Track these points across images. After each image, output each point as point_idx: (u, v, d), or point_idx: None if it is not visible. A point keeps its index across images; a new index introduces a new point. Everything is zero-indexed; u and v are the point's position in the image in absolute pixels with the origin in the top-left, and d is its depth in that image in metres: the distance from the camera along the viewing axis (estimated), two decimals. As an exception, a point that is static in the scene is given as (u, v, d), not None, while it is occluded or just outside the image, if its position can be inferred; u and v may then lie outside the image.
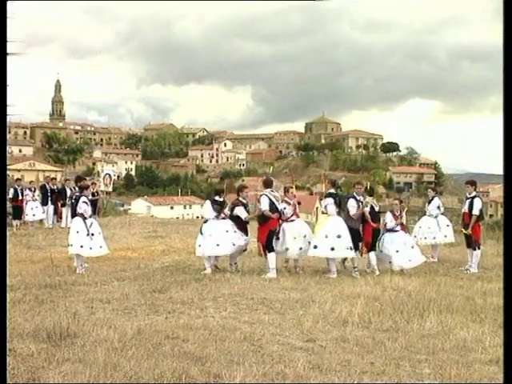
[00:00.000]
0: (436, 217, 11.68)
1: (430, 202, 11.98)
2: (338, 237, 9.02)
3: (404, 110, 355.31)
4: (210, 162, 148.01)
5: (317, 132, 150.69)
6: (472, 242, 10.16)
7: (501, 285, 7.18)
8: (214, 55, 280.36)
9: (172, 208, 74.65)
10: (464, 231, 10.29)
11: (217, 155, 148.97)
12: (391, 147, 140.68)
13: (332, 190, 9.62)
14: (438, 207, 11.79)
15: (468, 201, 10.27)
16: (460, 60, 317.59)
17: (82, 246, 9.17)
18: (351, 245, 9.10)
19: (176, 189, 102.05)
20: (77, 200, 9.47)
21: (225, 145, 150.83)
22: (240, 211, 9.48)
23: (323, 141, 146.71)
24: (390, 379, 4.17)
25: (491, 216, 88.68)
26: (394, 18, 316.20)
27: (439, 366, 4.45)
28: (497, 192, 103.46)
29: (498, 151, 3.86)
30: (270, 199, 9.19)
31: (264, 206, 9.12)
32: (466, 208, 10.29)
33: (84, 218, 9.32)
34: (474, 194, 10.28)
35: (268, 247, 9.18)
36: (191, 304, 6.63)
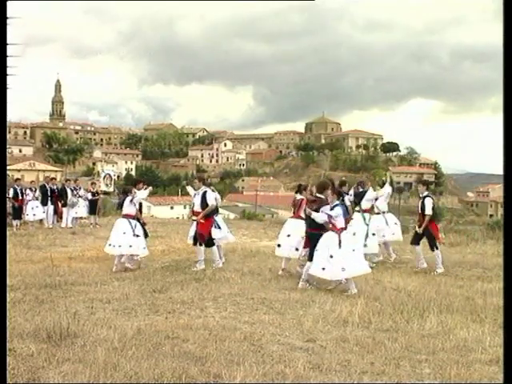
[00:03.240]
0: (383, 213, 11.22)
1: (376, 200, 11.31)
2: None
3: (405, 109, 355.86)
4: (210, 161, 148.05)
5: (317, 132, 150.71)
6: (431, 242, 9.92)
7: (501, 285, 7.18)
8: (215, 55, 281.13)
9: (172, 208, 74.47)
10: (417, 230, 10.05)
11: (217, 155, 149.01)
12: (391, 147, 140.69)
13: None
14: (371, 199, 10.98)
15: (420, 201, 10.08)
16: (461, 60, 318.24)
17: (130, 246, 9.48)
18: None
19: (176, 189, 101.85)
20: (122, 202, 9.75)
21: (225, 145, 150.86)
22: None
23: (323, 141, 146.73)
24: (389, 379, 4.17)
25: (491, 216, 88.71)
26: (394, 18, 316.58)
27: (439, 366, 4.45)
28: (497, 192, 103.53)
29: (498, 151, 3.86)
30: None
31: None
32: (419, 208, 10.10)
33: (129, 219, 9.59)
34: (425, 193, 10.06)
35: (211, 241, 9.63)
36: (191, 304, 6.63)
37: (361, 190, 10.67)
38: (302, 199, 9.14)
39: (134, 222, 9.61)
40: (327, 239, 7.63)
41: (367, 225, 10.27)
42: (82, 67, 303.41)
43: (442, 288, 7.96)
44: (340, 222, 7.62)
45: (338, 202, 7.75)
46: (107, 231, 16.88)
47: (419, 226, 10.02)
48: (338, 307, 6.32)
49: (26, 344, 4.70)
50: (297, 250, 8.90)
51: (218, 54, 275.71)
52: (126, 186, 10.67)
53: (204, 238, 9.53)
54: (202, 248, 9.56)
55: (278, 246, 9.45)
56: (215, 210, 9.94)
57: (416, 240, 10.13)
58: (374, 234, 10.37)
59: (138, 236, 9.55)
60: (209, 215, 9.57)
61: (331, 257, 7.46)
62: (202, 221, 9.46)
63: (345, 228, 7.66)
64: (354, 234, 8.91)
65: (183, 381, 3.97)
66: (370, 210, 10.59)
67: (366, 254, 9.15)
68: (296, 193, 9.55)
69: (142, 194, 9.95)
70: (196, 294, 7.16)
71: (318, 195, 8.04)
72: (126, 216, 9.63)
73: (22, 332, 5.06)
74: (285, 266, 9.15)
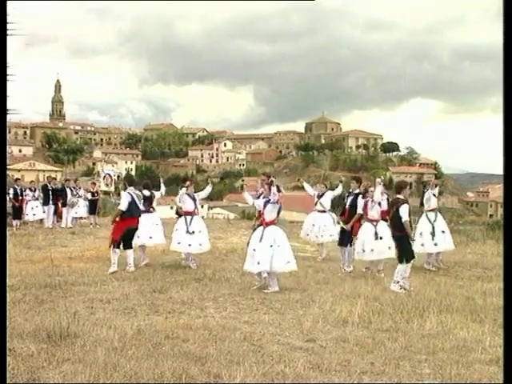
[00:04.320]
0: (326, 211, 11.08)
1: (321, 196, 11.21)
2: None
3: (405, 109, 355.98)
4: (210, 162, 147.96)
5: (317, 132, 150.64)
6: (346, 239, 9.77)
7: (501, 285, 7.18)
8: (216, 55, 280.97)
9: (172, 208, 74.22)
10: (342, 226, 9.86)
11: (217, 155, 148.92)
12: (391, 147, 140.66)
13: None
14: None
15: (351, 197, 9.89)
16: (461, 60, 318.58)
17: (179, 243, 9.58)
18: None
19: (176, 189, 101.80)
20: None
21: (225, 145, 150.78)
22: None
23: (323, 141, 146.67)
24: (389, 379, 4.17)
25: (491, 216, 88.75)
26: (395, 18, 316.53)
27: (439, 366, 4.45)
28: (497, 192, 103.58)
29: (498, 151, 3.86)
30: (131, 197, 9.41)
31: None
32: (348, 203, 9.91)
33: (185, 216, 9.69)
34: (357, 190, 9.84)
35: (129, 244, 9.52)
36: (191, 304, 6.63)
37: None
38: (367, 201, 9.39)
39: (189, 218, 9.68)
40: (255, 233, 7.92)
41: (432, 223, 10.19)
42: (82, 67, 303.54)
43: (441, 288, 7.96)
44: (268, 215, 7.75)
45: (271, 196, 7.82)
46: (107, 231, 16.87)
47: (345, 222, 9.83)
48: (338, 307, 6.32)
49: (26, 344, 4.70)
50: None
51: (219, 54, 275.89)
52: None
53: (114, 241, 9.29)
54: (116, 251, 9.27)
55: (371, 250, 9.21)
56: (138, 211, 9.65)
57: (344, 240, 9.86)
58: (443, 232, 10.27)
59: (192, 233, 9.57)
60: (123, 217, 9.34)
61: (254, 250, 7.71)
62: (112, 224, 9.43)
63: (273, 222, 7.78)
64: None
65: (183, 381, 3.98)
66: (434, 209, 10.44)
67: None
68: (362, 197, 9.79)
69: (205, 192, 10.31)
70: (196, 294, 7.16)
71: (397, 196, 8.17)
72: (186, 214, 9.71)
73: (22, 332, 5.06)
74: (382, 268, 9.37)
